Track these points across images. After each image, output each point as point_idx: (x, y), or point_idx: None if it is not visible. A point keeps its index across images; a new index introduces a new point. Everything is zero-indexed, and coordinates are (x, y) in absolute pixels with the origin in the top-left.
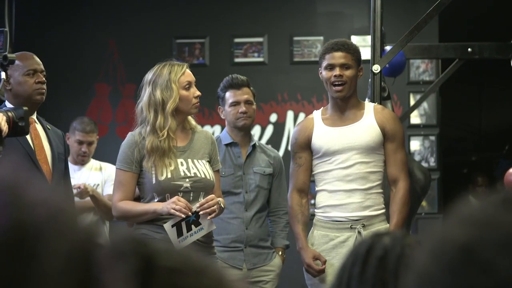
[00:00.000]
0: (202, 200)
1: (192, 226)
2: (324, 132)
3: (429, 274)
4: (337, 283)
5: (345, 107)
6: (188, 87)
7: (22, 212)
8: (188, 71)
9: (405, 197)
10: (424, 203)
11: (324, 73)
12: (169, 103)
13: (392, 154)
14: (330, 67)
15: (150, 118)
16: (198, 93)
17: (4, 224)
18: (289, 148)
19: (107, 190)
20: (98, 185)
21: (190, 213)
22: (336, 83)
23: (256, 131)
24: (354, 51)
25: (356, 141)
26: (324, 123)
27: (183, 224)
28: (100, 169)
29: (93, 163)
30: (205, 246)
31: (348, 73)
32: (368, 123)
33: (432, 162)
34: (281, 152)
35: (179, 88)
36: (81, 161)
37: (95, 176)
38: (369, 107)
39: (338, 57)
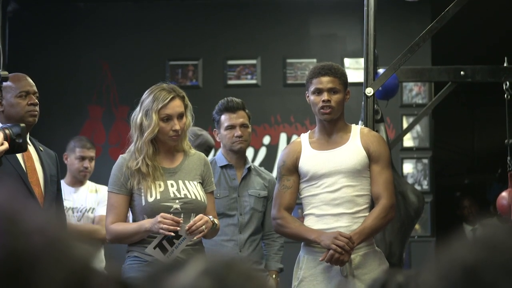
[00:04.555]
0: (190, 222)
1: (174, 240)
2: (311, 155)
3: None
4: None
5: (332, 130)
6: (166, 119)
7: (18, 241)
8: (174, 102)
9: (380, 212)
10: (417, 226)
11: (312, 98)
12: (147, 132)
13: (377, 174)
14: (318, 91)
15: (134, 138)
16: (177, 127)
17: (1, 253)
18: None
19: (99, 211)
20: (93, 208)
21: (178, 228)
22: (324, 107)
23: (249, 153)
24: (341, 75)
25: (342, 165)
26: (311, 147)
27: (165, 242)
28: (96, 191)
29: (89, 184)
30: (195, 249)
31: (335, 97)
32: (354, 146)
33: (425, 185)
34: (274, 175)
35: (159, 119)
36: (83, 177)
37: (92, 199)
38: (356, 130)
39: (325, 81)
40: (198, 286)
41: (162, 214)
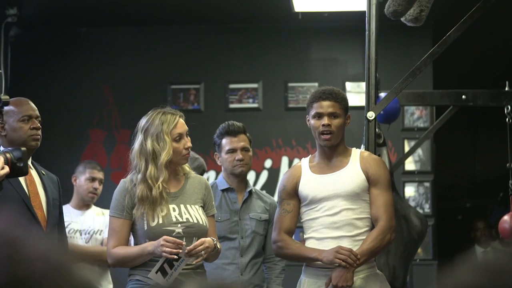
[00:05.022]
0: (190, 246)
1: (173, 262)
2: (310, 179)
3: None
4: None
5: (332, 154)
6: (178, 139)
7: (20, 267)
8: (181, 121)
9: (378, 234)
10: (419, 250)
11: (312, 122)
12: (163, 155)
13: (376, 197)
14: (318, 116)
15: (141, 166)
16: (189, 144)
17: (3, 279)
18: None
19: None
20: (101, 230)
21: (180, 250)
22: (325, 132)
23: (251, 176)
24: (342, 100)
25: (341, 188)
26: (311, 171)
27: (165, 265)
28: (103, 214)
29: (95, 208)
30: (197, 272)
31: (336, 122)
32: (353, 169)
33: (427, 208)
34: (276, 198)
35: (171, 140)
36: (91, 199)
37: (99, 221)
38: (356, 153)
39: (326, 106)
40: None
41: (164, 237)
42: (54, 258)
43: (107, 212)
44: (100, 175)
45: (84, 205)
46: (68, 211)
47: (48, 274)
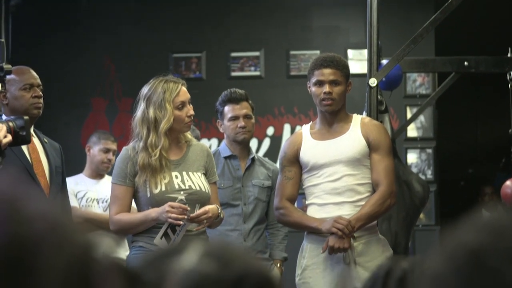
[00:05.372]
0: (193, 215)
1: (176, 227)
2: (311, 146)
3: (441, 275)
4: None
5: (333, 120)
6: (181, 107)
7: (20, 227)
8: (183, 89)
9: (378, 199)
10: (421, 215)
11: (313, 89)
12: (163, 123)
13: (376, 162)
14: (320, 83)
15: (143, 134)
16: (191, 112)
17: (3, 239)
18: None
19: None
20: None
21: (185, 216)
22: (325, 99)
23: (253, 144)
24: (343, 67)
25: (342, 154)
26: (312, 137)
27: (169, 230)
28: None
29: (108, 178)
30: (200, 238)
31: (337, 89)
32: (354, 135)
33: (429, 174)
34: (278, 165)
35: (173, 108)
36: (105, 169)
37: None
38: (356, 119)
39: (327, 73)
40: (201, 268)
41: (170, 203)
42: (54, 218)
43: None
44: (114, 146)
45: (98, 175)
46: (83, 180)
47: (48, 234)
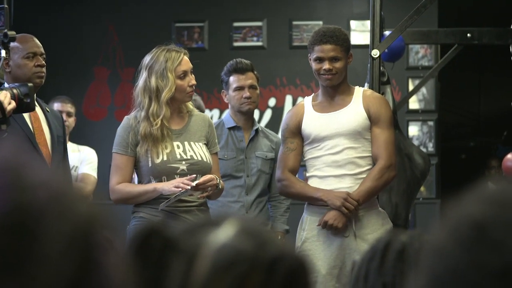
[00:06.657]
0: (200, 180)
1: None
2: (313, 118)
3: (443, 247)
4: (354, 280)
5: (334, 93)
6: (183, 76)
7: (23, 194)
8: (185, 58)
9: (376, 173)
10: (422, 188)
11: (313, 64)
12: (165, 92)
13: (377, 135)
14: (320, 60)
15: (144, 103)
16: (193, 82)
17: (5, 206)
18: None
19: (82, 169)
20: (77, 167)
21: (189, 187)
22: (326, 74)
23: (255, 115)
24: (343, 41)
25: (344, 127)
26: (314, 109)
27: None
28: (78, 150)
29: (70, 146)
30: (200, 209)
31: (337, 65)
32: (355, 108)
33: (431, 147)
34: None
35: (175, 77)
36: None
37: (74, 158)
38: (358, 92)
39: (327, 50)
40: (237, 244)
41: (180, 179)
42: (57, 186)
43: (82, 148)
44: (67, 107)
45: None
46: None
47: (50, 201)
